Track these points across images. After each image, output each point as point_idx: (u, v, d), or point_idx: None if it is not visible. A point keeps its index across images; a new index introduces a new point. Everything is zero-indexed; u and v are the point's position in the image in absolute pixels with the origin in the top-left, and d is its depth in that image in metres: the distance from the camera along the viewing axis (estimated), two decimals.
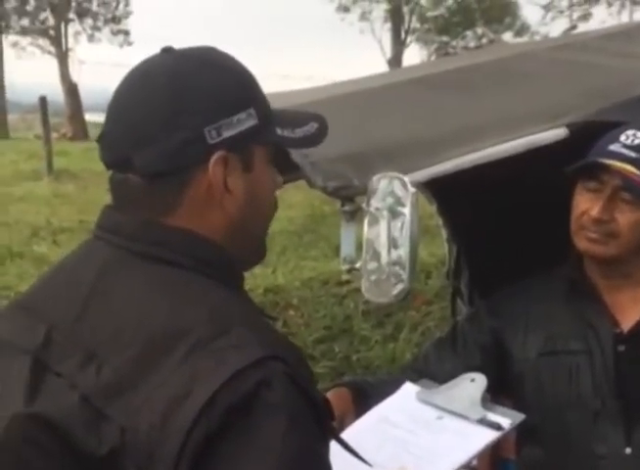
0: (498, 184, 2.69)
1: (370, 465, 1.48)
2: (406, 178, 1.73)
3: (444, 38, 35.46)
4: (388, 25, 33.65)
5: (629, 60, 2.33)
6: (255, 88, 1.31)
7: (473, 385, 1.84)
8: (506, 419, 1.75)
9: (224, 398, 1.07)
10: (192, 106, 1.22)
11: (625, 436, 2.03)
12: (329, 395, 2.04)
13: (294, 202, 9.30)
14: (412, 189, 1.72)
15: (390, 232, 1.74)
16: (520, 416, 1.79)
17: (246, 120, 1.25)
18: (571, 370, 2.07)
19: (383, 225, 1.74)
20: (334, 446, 1.41)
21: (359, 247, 1.81)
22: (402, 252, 1.73)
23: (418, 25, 34.88)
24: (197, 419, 1.06)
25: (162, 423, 1.08)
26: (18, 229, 9.10)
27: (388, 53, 33.12)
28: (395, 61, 32.14)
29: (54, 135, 17.89)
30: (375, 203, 1.75)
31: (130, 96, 1.26)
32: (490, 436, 1.73)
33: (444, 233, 3.23)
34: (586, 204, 2.00)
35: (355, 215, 1.83)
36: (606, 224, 1.99)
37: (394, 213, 1.73)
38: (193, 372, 1.09)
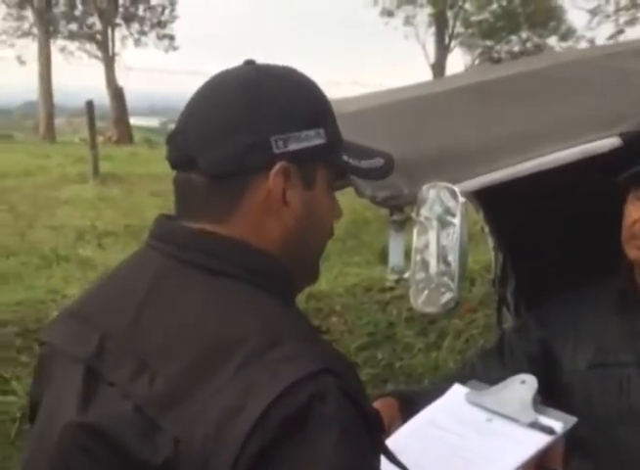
0: (548, 193, 2.66)
1: None
2: (456, 188, 1.71)
3: (488, 43, 35.29)
4: (432, 30, 33.57)
5: None
6: (328, 111, 1.32)
7: (523, 387, 1.80)
8: (558, 423, 1.71)
9: (278, 410, 1.08)
10: (263, 113, 1.24)
11: None
12: (376, 405, 2.03)
13: None
14: (462, 199, 1.70)
15: (440, 242, 1.72)
16: (572, 420, 1.75)
17: (314, 138, 1.26)
18: (621, 382, 2.05)
19: (432, 235, 1.73)
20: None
21: (407, 256, 1.80)
22: (452, 261, 1.71)
23: (462, 30, 34.76)
24: (251, 432, 1.07)
25: (217, 434, 1.08)
26: (63, 232, 9.20)
27: (432, 57, 33.03)
28: (439, 65, 32.07)
29: (99, 139, 18.06)
30: (424, 212, 1.74)
31: (205, 99, 1.29)
32: (543, 440, 1.69)
33: (490, 241, 3.20)
34: (638, 213, 1.98)
35: (404, 225, 1.82)
36: None
37: (444, 223, 1.72)
38: (248, 383, 1.10)
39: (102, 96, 26.31)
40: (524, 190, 2.64)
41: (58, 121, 28.91)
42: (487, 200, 3.02)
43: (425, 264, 1.75)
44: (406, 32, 33.90)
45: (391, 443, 1.72)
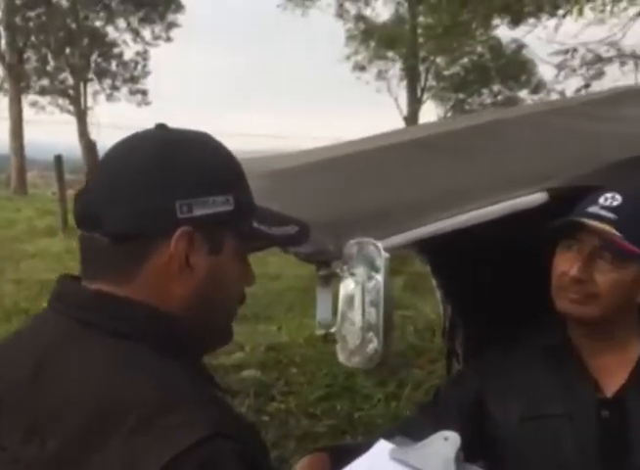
0: (488, 247, 2.70)
1: None
2: (379, 244, 1.73)
3: (460, 95, 35.73)
4: (405, 83, 33.96)
5: (613, 124, 2.35)
6: (240, 179, 1.34)
7: (446, 444, 1.80)
8: None
9: None
10: (170, 177, 1.24)
11: None
12: (307, 459, 2.03)
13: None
14: (385, 254, 1.72)
15: (364, 297, 1.74)
16: None
17: (221, 205, 1.27)
18: (553, 436, 2.04)
19: (357, 290, 1.75)
20: None
21: (335, 311, 1.82)
22: (375, 316, 1.73)
23: (434, 83, 35.18)
24: None
25: None
26: (27, 285, 9.13)
27: (405, 110, 33.36)
28: (412, 118, 32.35)
29: (69, 192, 18.04)
30: (349, 268, 1.75)
31: (114, 160, 1.30)
32: None
33: (438, 294, 3.23)
34: (566, 264, 2.00)
35: (331, 280, 1.83)
36: (585, 284, 1.98)
37: (368, 279, 1.73)
38: (138, 450, 1.09)
39: (74, 150, 26.36)
40: (466, 244, 2.68)
41: (30, 175, 28.88)
42: (433, 253, 3.05)
43: (350, 319, 1.77)
44: (379, 87, 34.28)
45: None
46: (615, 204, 1.98)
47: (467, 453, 2.01)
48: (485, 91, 35.94)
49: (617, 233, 1.95)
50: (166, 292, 1.25)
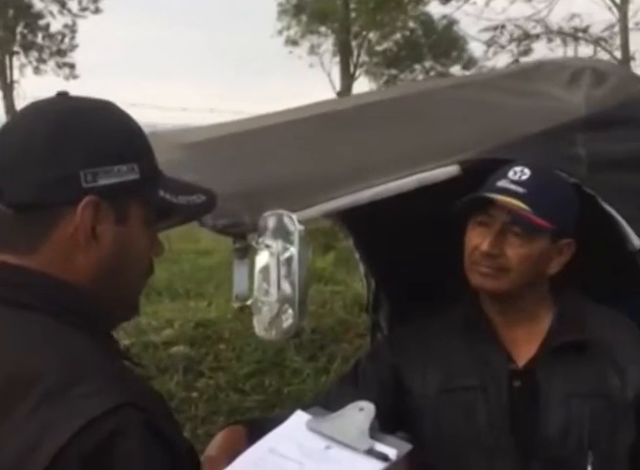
0: (406, 220, 2.72)
1: None
2: (294, 216, 1.73)
3: (393, 71, 35.86)
4: (338, 59, 33.96)
5: (525, 98, 2.37)
6: (144, 147, 1.32)
7: (361, 414, 1.81)
8: (393, 450, 1.72)
9: (76, 448, 1.06)
10: (73, 146, 1.22)
11: None
12: (223, 432, 2.03)
13: None
14: (300, 226, 1.72)
15: (280, 269, 1.73)
16: (407, 446, 1.77)
17: (126, 173, 1.25)
18: (467, 407, 2.07)
19: (272, 262, 1.74)
20: None
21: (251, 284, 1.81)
22: (291, 289, 1.73)
23: (367, 59, 35.25)
24: None
25: None
26: None
27: (338, 86, 33.37)
28: (345, 93, 32.35)
29: None
30: (265, 240, 1.75)
31: (14, 129, 1.27)
32: (377, 467, 1.70)
33: (362, 267, 3.24)
34: (477, 239, 2.02)
35: (247, 253, 1.82)
36: (496, 259, 2.00)
37: (283, 251, 1.73)
38: (45, 421, 1.08)
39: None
40: (384, 218, 2.70)
41: None
42: (355, 226, 3.06)
43: (265, 292, 1.76)
44: (312, 61, 34.21)
45: (233, 467, 1.72)
46: (523, 178, 2.00)
47: (387, 425, 2.03)
48: (418, 67, 36.15)
49: (526, 207, 1.97)
50: (72, 263, 1.24)
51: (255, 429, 2.00)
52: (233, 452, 1.87)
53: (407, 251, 2.94)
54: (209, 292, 7.37)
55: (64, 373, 1.13)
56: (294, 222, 1.72)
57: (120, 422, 1.09)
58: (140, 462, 1.09)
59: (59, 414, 1.09)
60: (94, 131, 1.25)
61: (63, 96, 1.30)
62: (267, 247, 1.75)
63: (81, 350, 1.19)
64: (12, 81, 29.23)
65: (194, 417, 4.89)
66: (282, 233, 1.73)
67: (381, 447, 1.73)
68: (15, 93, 28.89)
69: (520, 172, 2.00)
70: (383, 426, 1.90)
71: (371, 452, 1.72)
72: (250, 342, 5.75)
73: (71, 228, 1.22)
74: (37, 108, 1.29)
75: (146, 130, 1.37)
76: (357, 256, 3.20)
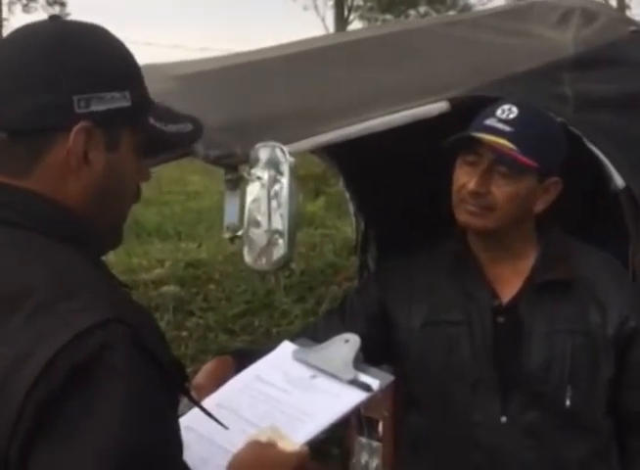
0: (397, 158, 2.74)
1: (226, 428, 1.52)
2: (285, 148, 1.75)
3: (387, 16, 35.49)
4: (332, 3, 33.61)
5: (515, 37, 2.38)
6: (136, 75, 1.33)
7: (346, 345, 1.86)
8: (376, 381, 1.77)
9: (65, 359, 1.09)
10: (67, 71, 1.23)
11: (501, 405, 2.09)
12: (212, 361, 2.08)
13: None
14: (291, 158, 1.74)
15: (270, 201, 1.76)
16: (390, 378, 1.82)
17: (119, 100, 1.27)
18: (451, 340, 2.12)
19: (263, 194, 1.77)
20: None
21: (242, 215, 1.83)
22: (281, 220, 1.75)
23: (361, 3, 34.87)
24: (37, 380, 1.08)
25: (3, 383, 1.09)
26: None
27: (332, 30, 33.04)
28: None
29: None
30: (256, 171, 1.77)
31: (6, 53, 1.27)
32: (360, 397, 1.75)
33: (351, 207, 3.27)
34: (465, 177, 2.04)
35: (238, 184, 1.85)
36: (483, 197, 2.03)
37: (274, 182, 1.75)
38: (37, 333, 1.11)
39: None
40: (375, 155, 2.72)
41: None
42: (345, 164, 3.08)
43: (256, 223, 1.79)
44: (305, 4, 33.86)
45: (218, 395, 1.77)
46: (511, 116, 2.02)
47: (373, 358, 2.08)
48: (412, 13, 35.76)
49: (513, 146, 2.00)
50: (64, 186, 1.26)
51: (243, 359, 2.05)
52: (221, 381, 1.92)
53: (396, 189, 2.96)
54: (200, 234, 7.39)
55: (54, 288, 1.15)
56: (285, 154, 1.74)
57: (109, 336, 1.12)
58: (126, 377, 1.12)
59: (49, 327, 1.11)
60: (88, 55, 1.26)
61: (55, 19, 1.31)
62: (258, 178, 1.77)
63: (72, 266, 1.21)
64: (1, 19, 28.89)
65: (183, 356, 4.93)
66: (273, 165, 1.75)
67: (364, 378, 1.78)
68: (3, 31, 28.53)
69: (507, 111, 2.02)
70: (369, 358, 1.95)
71: (354, 382, 1.77)
72: (239, 283, 5.78)
73: (64, 153, 1.24)
74: (30, 32, 1.29)
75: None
76: (347, 195, 3.23)
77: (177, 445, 1.21)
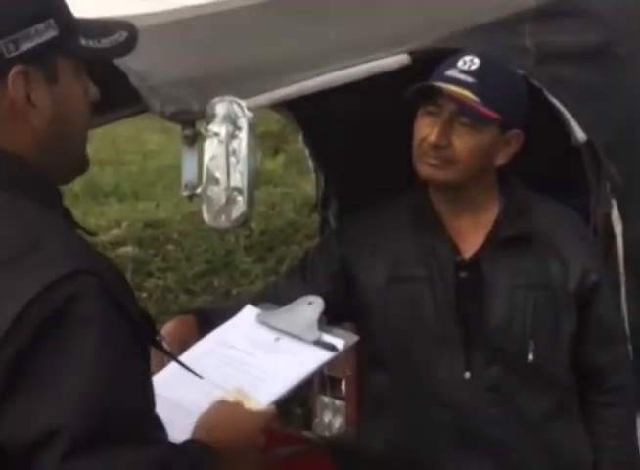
0: (357, 113, 2.71)
1: (200, 377, 1.52)
2: (243, 102, 1.71)
3: None
4: None
5: None
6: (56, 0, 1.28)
7: (310, 308, 1.87)
8: (340, 340, 1.78)
9: (34, 312, 1.09)
10: None
11: (465, 361, 2.08)
12: (173, 321, 2.05)
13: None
14: (249, 113, 1.71)
15: (229, 157, 1.73)
16: (354, 337, 1.83)
17: (45, 32, 1.23)
18: (414, 297, 2.10)
19: (221, 150, 1.73)
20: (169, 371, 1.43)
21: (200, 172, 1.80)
22: (240, 177, 1.72)
23: None
24: (6, 335, 1.08)
25: None
26: None
27: None
28: None
29: None
30: (213, 127, 1.73)
31: None
32: (324, 356, 1.76)
33: (311, 163, 3.24)
34: (425, 130, 2.01)
35: (195, 141, 1.81)
36: (444, 150, 2.00)
37: (232, 138, 1.72)
38: (3, 288, 1.11)
39: None
40: (336, 109, 2.69)
41: None
42: (305, 121, 3.05)
43: (215, 180, 1.76)
44: None
45: (182, 359, 1.75)
46: (473, 67, 1.99)
47: (336, 317, 2.07)
48: None
49: (475, 97, 1.97)
50: (15, 135, 1.23)
51: (205, 319, 2.03)
52: (184, 341, 1.91)
53: (356, 144, 2.94)
54: (158, 194, 7.30)
55: (19, 242, 1.15)
56: (242, 109, 1.70)
57: (76, 288, 1.12)
58: (95, 327, 1.12)
59: (17, 281, 1.11)
60: None
61: None
62: (216, 134, 1.74)
63: (36, 219, 1.20)
64: None
65: None
66: (231, 120, 1.71)
67: (329, 338, 1.79)
68: None
69: (469, 62, 1.99)
70: (331, 317, 1.94)
71: (319, 343, 1.78)
72: (199, 243, 5.74)
73: (7, 102, 1.22)
74: None
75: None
76: (307, 152, 3.19)
77: (150, 396, 1.22)
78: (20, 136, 1.24)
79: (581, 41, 2.28)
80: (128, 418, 1.14)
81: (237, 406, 1.47)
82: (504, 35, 2.20)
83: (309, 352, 1.77)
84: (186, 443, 1.35)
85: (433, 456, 2.11)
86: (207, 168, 1.75)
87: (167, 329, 2.00)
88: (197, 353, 1.83)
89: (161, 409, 1.24)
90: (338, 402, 3.13)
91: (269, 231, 5.98)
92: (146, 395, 1.21)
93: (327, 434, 3.19)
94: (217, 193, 1.75)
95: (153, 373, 1.46)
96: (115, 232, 5.98)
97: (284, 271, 2.35)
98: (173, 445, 1.28)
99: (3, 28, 1.20)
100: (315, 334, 1.79)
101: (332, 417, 3.17)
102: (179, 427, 1.41)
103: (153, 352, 1.36)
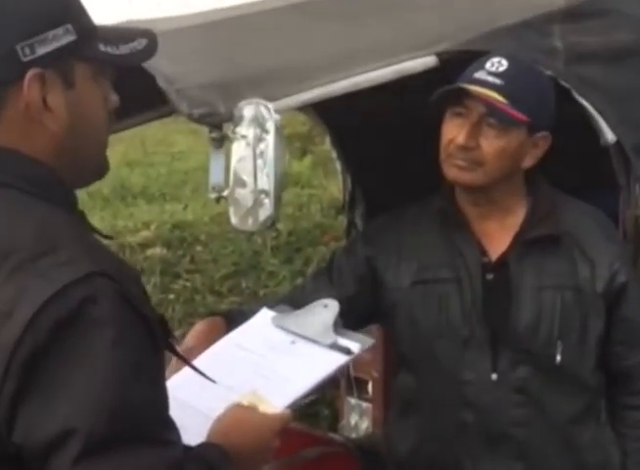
0: (384, 115, 2.70)
1: (213, 381, 1.52)
2: (270, 105, 1.72)
3: None
4: None
5: None
6: (74, 4, 1.29)
7: (325, 310, 1.86)
8: (356, 344, 1.78)
9: (49, 314, 1.09)
10: (2, 21, 1.21)
11: (492, 362, 2.08)
12: (202, 322, 2.06)
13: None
14: (276, 116, 1.71)
15: (256, 160, 1.73)
16: (369, 341, 1.83)
17: (62, 36, 1.24)
18: (440, 298, 2.10)
19: (248, 153, 1.74)
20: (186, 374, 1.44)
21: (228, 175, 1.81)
22: (267, 179, 1.73)
23: None
24: (21, 337, 1.09)
25: None
26: None
27: None
28: None
29: None
30: (241, 130, 1.74)
31: None
32: (340, 360, 1.76)
33: (338, 165, 3.24)
34: (453, 131, 2.01)
35: (223, 143, 1.82)
36: (472, 151, 2.00)
37: (259, 141, 1.72)
38: (17, 290, 1.11)
39: None
40: (364, 111, 2.69)
41: None
42: (332, 121, 3.05)
43: (242, 183, 1.76)
44: None
45: (197, 363, 1.75)
46: (501, 69, 1.98)
47: (363, 318, 2.07)
48: None
49: (503, 99, 1.96)
50: (31, 139, 1.24)
51: (233, 320, 2.04)
52: (212, 342, 1.91)
53: (384, 146, 2.94)
54: (186, 195, 7.32)
55: (36, 244, 1.15)
56: (270, 112, 1.71)
57: (91, 290, 1.12)
58: (110, 329, 1.12)
59: (31, 282, 1.11)
60: (21, 1, 1.23)
61: None
62: (243, 137, 1.74)
63: (53, 221, 1.21)
64: None
65: (170, 319, 4.92)
66: (258, 123, 1.72)
67: (344, 342, 1.78)
68: None
69: (497, 63, 1.98)
70: (357, 319, 1.94)
71: (334, 346, 1.78)
72: (226, 244, 5.74)
73: (22, 105, 1.22)
74: None
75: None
76: (334, 154, 3.20)
77: (164, 398, 1.22)
78: (36, 139, 1.24)
79: (610, 41, 2.27)
80: (142, 420, 1.15)
81: (252, 410, 1.46)
82: (532, 36, 2.19)
83: (325, 355, 1.77)
84: (203, 446, 1.35)
85: (459, 458, 2.10)
86: (235, 171, 1.75)
87: (196, 330, 2.01)
88: (212, 356, 1.84)
89: (176, 412, 1.24)
90: (364, 404, 3.12)
91: (296, 233, 5.97)
92: (160, 397, 1.21)
93: (353, 436, 3.18)
94: (244, 195, 1.76)
95: (170, 377, 1.48)
96: (144, 234, 6.00)
97: (310, 273, 2.34)
98: (187, 447, 1.28)
99: (21, 32, 1.21)
100: (331, 337, 1.79)
101: (358, 419, 3.17)
102: (194, 430, 1.41)
103: (174, 359, 1.37)
